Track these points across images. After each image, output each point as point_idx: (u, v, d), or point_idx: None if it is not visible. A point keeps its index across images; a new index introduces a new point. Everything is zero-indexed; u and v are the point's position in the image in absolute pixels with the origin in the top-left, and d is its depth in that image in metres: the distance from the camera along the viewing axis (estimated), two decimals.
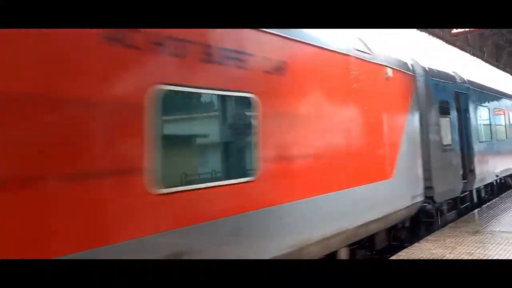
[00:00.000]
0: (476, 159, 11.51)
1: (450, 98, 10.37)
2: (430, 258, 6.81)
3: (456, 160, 10.28)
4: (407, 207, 7.82)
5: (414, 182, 8.19)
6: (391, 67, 7.56)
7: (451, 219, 9.88)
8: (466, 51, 15.59)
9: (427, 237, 8.36)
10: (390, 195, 7.19)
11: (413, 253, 7.21)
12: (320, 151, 5.74)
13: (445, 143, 9.67)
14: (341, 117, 6.18)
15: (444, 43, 14.12)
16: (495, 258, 6.63)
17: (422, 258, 6.82)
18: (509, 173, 15.26)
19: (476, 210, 11.20)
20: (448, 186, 9.68)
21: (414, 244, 7.79)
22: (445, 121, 9.86)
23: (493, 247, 7.29)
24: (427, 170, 8.72)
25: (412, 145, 8.21)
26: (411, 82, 8.54)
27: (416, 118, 8.53)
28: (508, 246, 7.28)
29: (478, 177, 11.60)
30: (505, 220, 9.60)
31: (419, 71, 9.10)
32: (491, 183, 13.58)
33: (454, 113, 10.47)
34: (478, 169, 11.60)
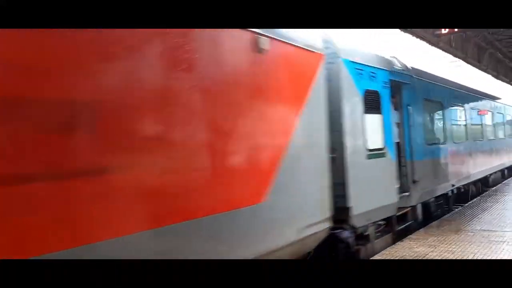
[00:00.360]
0: (421, 167, 9.28)
1: (383, 89, 8.07)
2: (413, 256, 6.97)
3: (390, 169, 8.11)
4: (293, 242, 5.38)
5: (311, 203, 5.79)
6: (269, 37, 5.07)
7: (384, 246, 7.76)
8: (449, 52, 15.84)
9: (410, 235, 8.53)
10: (257, 228, 4.83)
11: (396, 251, 7.36)
12: (86, 162, 3.25)
13: (372, 147, 7.48)
14: (144, 107, 3.76)
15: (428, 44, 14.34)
16: (476, 256, 6.82)
17: (405, 256, 6.99)
18: (471, 180, 13.02)
19: (457, 210, 11.43)
20: (376, 204, 7.44)
21: (397, 243, 7.95)
22: (373, 119, 7.69)
23: (474, 245, 7.49)
24: (340, 184, 6.54)
25: (311, 151, 5.88)
26: (314, 63, 6.10)
27: (320, 113, 6.16)
28: (489, 244, 7.50)
29: (424, 190, 9.48)
30: (485, 219, 9.85)
31: (332, 50, 6.77)
32: (445, 194, 11.10)
33: (388, 108, 8.28)
34: (425, 179, 9.43)
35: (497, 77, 20.98)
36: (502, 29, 16.69)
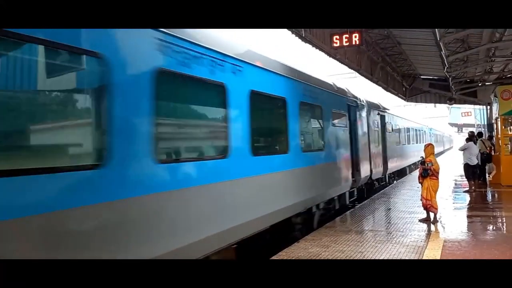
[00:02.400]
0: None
1: None
2: (307, 256, 7.28)
3: None
4: None
5: None
6: None
7: None
8: (345, 64, 16.87)
9: (306, 236, 8.90)
10: None
11: (292, 252, 7.63)
12: None
13: None
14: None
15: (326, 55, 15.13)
16: (363, 254, 7.31)
17: (300, 256, 7.27)
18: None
19: (350, 210, 12.16)
20: None
21: (294, 244, 8.24)
22: None
23: (362, 245, 8.02)
24: None
25: None
26: None
27: None
28: (375, 243, 8.07)
29: None
30: (374, 219, 10.61)
31: None
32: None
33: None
34: None
35: (386, 89, 22.75)
36: (392, 46, 18.20)
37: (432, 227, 9.43)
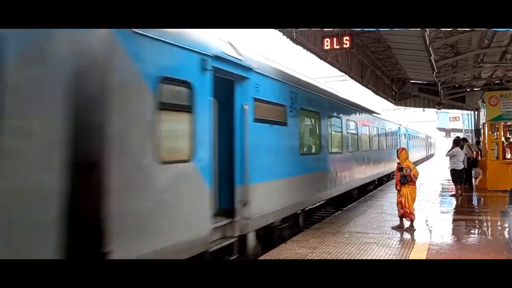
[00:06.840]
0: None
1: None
2: (294, 257, 7.30)
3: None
4: None
5: None
6: None
7: None
8: (335, 67, 16.95)
9: (293, 238, 8.92)
10: None
11: (279, 253, 7.64)
12: None
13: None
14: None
15: (317, 57, 15.18)
16: (350, 256, 7.34)
17: (287, 258, 7.28)
18: None
19: (337, 213, 12.23)
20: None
21: (281, 245, 8.26)
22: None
23: (349, 246, 8.06)
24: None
25: None
26: None
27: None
28: (361, 245, 8.12)
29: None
30: (361, 222, 10.66)
31: None
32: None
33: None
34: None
35: (376, 92, 22.90)
36: (382, 50, 18.32)
37: (408, 235, 9.08)
